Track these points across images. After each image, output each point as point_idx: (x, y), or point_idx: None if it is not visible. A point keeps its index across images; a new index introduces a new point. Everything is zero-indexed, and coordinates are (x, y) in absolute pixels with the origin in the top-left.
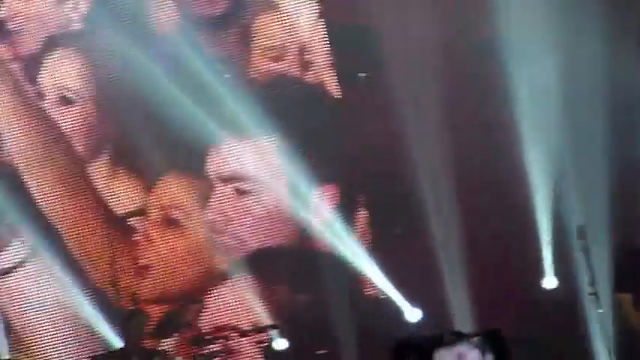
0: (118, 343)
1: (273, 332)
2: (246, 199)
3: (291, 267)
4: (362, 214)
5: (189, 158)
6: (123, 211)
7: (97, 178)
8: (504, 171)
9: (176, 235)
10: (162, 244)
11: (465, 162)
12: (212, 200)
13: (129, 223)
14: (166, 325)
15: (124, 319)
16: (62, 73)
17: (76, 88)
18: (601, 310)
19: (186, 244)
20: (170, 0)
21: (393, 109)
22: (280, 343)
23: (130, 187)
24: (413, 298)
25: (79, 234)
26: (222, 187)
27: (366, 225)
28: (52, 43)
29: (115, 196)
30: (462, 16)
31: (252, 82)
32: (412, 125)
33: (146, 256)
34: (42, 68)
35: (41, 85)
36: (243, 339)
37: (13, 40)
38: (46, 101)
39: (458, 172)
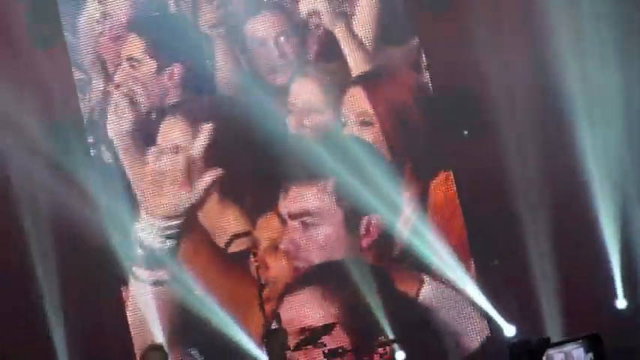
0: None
1: (395, 346)
2: (311, 229)
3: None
4: (467, 251)
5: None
6: (236, 245)
7: (208, 216)
8: (584, 208)
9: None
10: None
11: (554, 202)
12: (285, 233)
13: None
14: (306, 341)
15: (267, 336)
16: (173, 133)
17: (184, 144)
18: None
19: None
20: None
21: (497, 155)
22: (399, 356)
23: (237, 222)
24: (508, 317)
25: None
26: (292, 222)
27: (470, 258)
28: (160, 112)
29: (225, 229)
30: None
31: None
32: (509, 171)
33: (266, 278)
34: (158, 132)
35: (158, 145)
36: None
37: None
38: (163, 158)
39: (546, 212)
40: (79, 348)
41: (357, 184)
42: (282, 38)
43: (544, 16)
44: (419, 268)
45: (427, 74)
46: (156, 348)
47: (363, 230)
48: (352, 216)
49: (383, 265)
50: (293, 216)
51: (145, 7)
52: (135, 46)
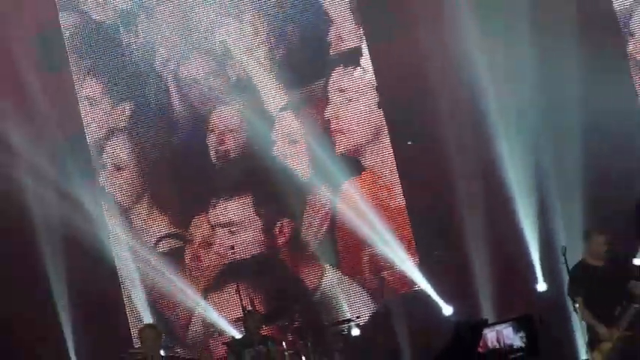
0: (237, 334)
1: (353, 324)
2: (235, 235)
3: None
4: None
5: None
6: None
7: (137, 218)
8: (509, 209)
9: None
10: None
11: (485, 203)
12: (215, 237)
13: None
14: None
15: (244, 316)
16: (116, 151)
17: (124, 160)
18: (577, 305)
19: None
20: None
21: (437, 161)
22: (355, 331)
23: (163, 222)
24: (446, 298)
25: None
26: (220, 230)
27: (415, 249)
28: (110, 134)
29: (152, 229)
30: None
31: None
32: (449, 176)
33: (197, 267)
34: (104, 149)
35: (104, 160)
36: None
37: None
38: (106, 170)
39: (478, 212)
40: (84, 335)
41: (271, 195)
42: (211, 76)
43: (472, 41)
44: (323, 259)
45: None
46: (151, 326)
47: (277, 231)
48: (268, 221)
49: (294, 258)
50: (221, 225)
51: (102, 52)
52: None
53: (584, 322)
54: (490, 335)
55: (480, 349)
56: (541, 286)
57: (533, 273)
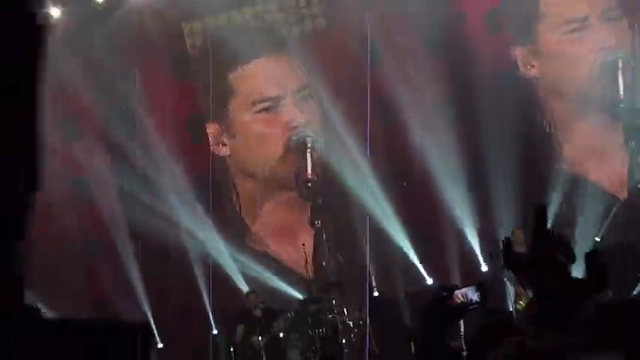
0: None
1: (374, 288)
2: None
3: None
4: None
5: None
6: None
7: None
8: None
9: None
10: None
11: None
12: None
13: None
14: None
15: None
16: None
17: None
18: (506, 279)
19: None
20: None
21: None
22: (375, 293)
23: None
24: (428, 272)
25: None
26: None
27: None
28: None
29: None
30: None
31: None
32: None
33: None
34: None
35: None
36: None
37: None
38: None
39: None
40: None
41: None
42: None
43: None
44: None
45: None
46: (253, 291)
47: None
48: None
49: None
50: None
51: None
52: None
53: (513, 288)
54: (459, 292)
55: (450, 302)
56: (484, 267)
57: (478, 260)
